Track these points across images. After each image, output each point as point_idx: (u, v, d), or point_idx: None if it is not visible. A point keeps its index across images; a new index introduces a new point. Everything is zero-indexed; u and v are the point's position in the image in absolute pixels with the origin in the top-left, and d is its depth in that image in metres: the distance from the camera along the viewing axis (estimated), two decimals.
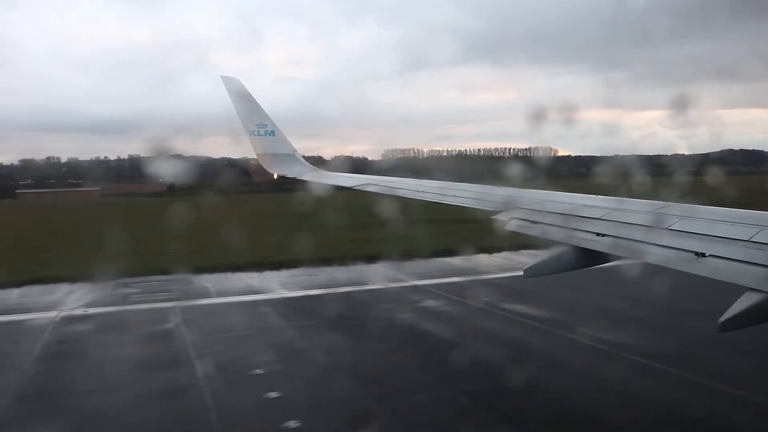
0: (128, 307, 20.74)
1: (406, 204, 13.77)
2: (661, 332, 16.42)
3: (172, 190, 66.59)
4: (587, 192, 10.05)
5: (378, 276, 25.16)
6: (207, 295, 22.45)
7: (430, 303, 20.60)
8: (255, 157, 15.88)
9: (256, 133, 15.23)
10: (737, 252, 5.90)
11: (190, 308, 20.34)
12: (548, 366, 14.01)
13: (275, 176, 15.80)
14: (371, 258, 28.71)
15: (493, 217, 9.94)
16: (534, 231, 8.85)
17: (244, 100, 14.93)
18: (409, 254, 28.49)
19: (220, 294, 22.64)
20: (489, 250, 30.16)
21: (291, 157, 15.93)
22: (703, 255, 6.16)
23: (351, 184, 14.01)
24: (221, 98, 15.09)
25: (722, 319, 5.35)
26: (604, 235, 7.60)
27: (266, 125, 15.34)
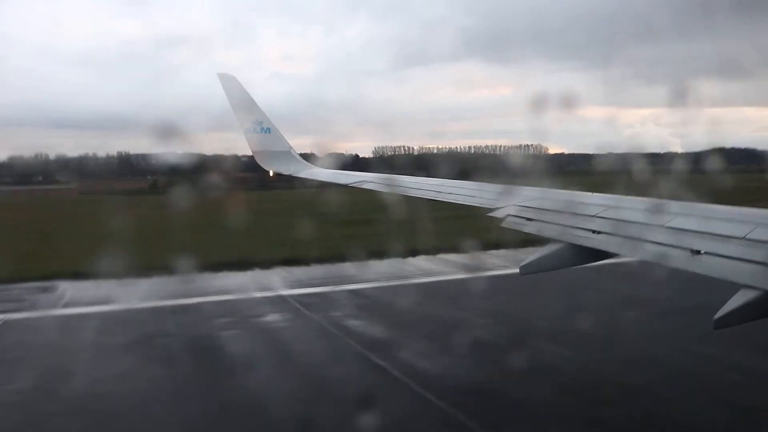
0: None
1: (398, 202, 13.41)
2: (488, 358, 14.63)
3: (155, 188, 65.59)
4: (582, 189, 10.12)
5: (256, 283, 23.71)
6: (51, 306, 20.70)
7: (272, 317, 18.96)
8: (243, 154, 15.86)
9: (252, 130, 15.25)
10: (732, 249, 5.97)
11: (12, 322, 18.89)
12: (313, 404, 12.35)
13: (271, 173, 15.85)
14: (279, 262, 26.91)
15: (489, 214, 10.01)
16: (529, 228, 8.92)
17: (240, 97, 14.95)
18: (323, 258, 27.00)
19: (67, 305, 20.89)
20: (420, 254, 28.33)
21: (287, 154, 15.97)
22: (698, 252, 6.23)
23: (347, 181, 14.05)
24: (217, 95, 15.03)
25: (717, 316, 5.43)
26: (599, 233, 7.67)
27: (262, 122, 15.37)
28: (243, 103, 15.08)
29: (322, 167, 16.46)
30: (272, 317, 19.07)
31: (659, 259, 6.67)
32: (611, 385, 12.74)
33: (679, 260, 6.35)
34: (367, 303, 20.64)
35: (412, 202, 12.94)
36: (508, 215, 9.50)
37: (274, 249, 28.87)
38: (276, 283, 24.21)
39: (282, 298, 21.47)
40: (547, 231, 8.49)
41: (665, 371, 13.42)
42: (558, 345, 15.15)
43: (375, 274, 25.48)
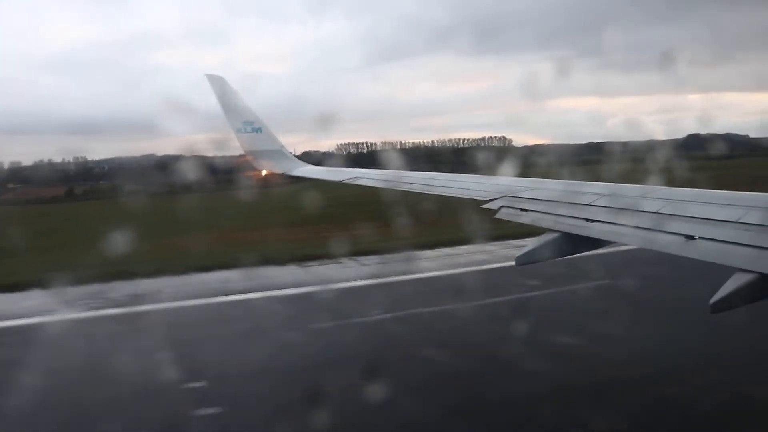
0: None
1: (385, 196, 13.07)
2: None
3: (71, 195, 60.08)
4: (572, 179, 10.23)
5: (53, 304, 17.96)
6: None
7: None
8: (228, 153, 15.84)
9: (243, 130, 15.28)
10: (726, 233, 6.08)
11: None
12: None
13: (263, 173, 15.92)
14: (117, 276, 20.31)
15: (483, 206, 10.09)
16: (524, 219, 8.99)
17: (229, 98, 14.97)
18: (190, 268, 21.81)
19: None
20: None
21: (279, 153, 16.03)
22: (692, 237, 6.33)
23: (339, 178, 14.12)
24: (202, 96, 14.74)
25: (713, 300, 5.46)
26: (594, 221, 7.77)
27: (253, 122, 15.41)
28: (233, 103, 15.10)
29: (311, 165, 16.53)
30: None
31: (653, 246, 6.78)
32: None
33: (674, 246, 6.46)
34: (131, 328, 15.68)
35: (403, 196, 12.93)
36: (502, 207, 9.58)
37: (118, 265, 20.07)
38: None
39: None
40: (542, 221, 8.57)
41: None
42: None
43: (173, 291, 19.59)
